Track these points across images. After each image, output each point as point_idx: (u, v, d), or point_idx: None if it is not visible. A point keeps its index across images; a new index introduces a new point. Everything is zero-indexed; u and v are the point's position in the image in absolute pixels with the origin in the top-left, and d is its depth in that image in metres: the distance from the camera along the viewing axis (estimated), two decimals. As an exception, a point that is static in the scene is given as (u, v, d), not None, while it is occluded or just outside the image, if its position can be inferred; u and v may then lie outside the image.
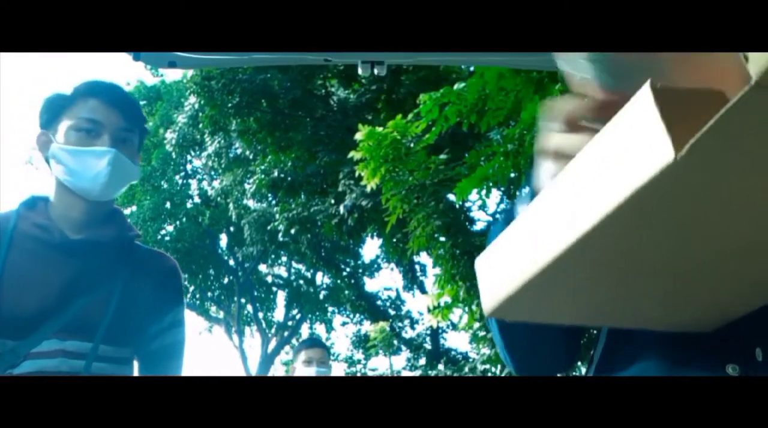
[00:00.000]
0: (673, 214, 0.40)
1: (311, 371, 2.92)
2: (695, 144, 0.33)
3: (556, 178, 0.47)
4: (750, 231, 0.43)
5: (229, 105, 8.87)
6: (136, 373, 1.33)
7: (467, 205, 7.25)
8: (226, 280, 15.31)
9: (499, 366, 6.14)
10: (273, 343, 15.56)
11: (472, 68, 4.71)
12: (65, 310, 1.20)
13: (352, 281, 15.10)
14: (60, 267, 1.23)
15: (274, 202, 11.02)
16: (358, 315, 16.23)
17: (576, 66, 0.59)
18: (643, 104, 0.36)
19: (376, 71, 1.68)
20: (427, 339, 14.72)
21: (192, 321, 23.45)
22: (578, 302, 0.57)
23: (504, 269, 0.52)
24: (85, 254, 1.26)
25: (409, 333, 15.44)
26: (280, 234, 9.43)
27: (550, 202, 0.47)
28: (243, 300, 15.15)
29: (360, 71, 1.70)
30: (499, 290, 0.53)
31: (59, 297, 1.20)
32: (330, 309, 16.51)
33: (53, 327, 1.18)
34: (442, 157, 5.80)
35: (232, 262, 15.25)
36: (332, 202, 8.53)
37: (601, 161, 0.41)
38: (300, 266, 15.56)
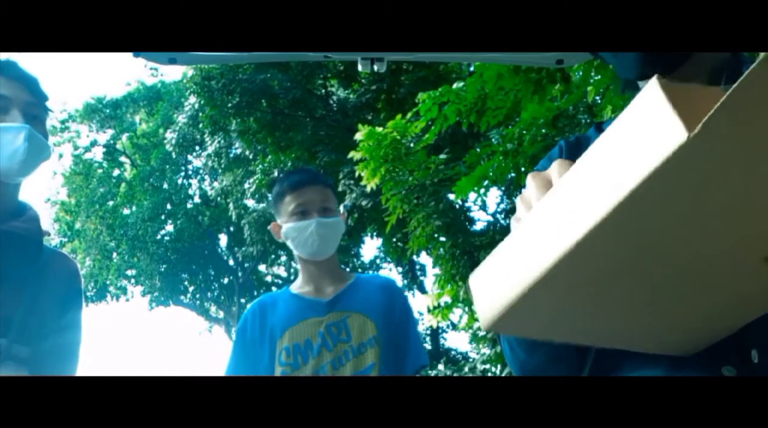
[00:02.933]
0: (682, 205, 0.39)
1: (308, 227, 1.64)
2: (708, 122, 0.33)
3: (555, 185, 0.45)
4: (759, 219, 0.42)
5: (229, 105, 8.87)
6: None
7: (467, 204, 7.25)
8: (226, 280, 15.30)
9: (499, 366, 6.14)
10: (273, 343, 15.57)
11: (471, 68, 4.71)
12: None
13: (352, 281, 15.08)
14: None
15: (273, 202, 11.00)
16: (358, 315, 16.21)
17: None
18: (650, 95, 0.36)
19: (375, 67, 1.69)
20: (427, 339, 14.71)
21: (192, 321, 23.54)
22: (575, 315, 0.54)
23: (500, 282, 0.51)
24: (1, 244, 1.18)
25: (409, 333, 15.43)
26: (280, 234, 9.41)
27: (549, 210, 0.46)
28: (243, 300, 15.14)
29: (360, 67, 1.71)
30: (496, 304, 0.51)
31: None
32: (330, 309, 16.48)
33: None
34: (442, 156, 5.80)
35: (232, 262, 15.24)
36: (332, 201, 8.52)
37: (608, 156, 0.40)
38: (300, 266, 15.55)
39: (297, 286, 1.77)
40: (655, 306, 0.52)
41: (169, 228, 14.78)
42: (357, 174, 5.56)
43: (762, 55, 0.32)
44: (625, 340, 0.61)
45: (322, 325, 1.65)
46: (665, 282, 0.49)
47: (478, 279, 0.55)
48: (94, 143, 15.76)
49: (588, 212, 0.41)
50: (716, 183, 0.38)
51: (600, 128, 0.86)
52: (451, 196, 5.24)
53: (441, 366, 8.31)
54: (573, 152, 0.84)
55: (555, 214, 0.45)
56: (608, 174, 0.39)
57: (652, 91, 0.36)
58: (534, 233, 0.47)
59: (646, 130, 0.36)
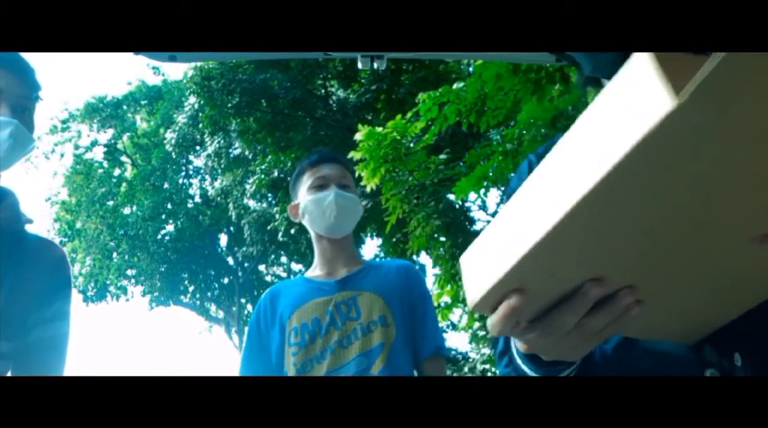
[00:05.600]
0: (668, 178, 0.38)
1: (327, 197, 1.63)
2: (696, 90, 0.32)
3: (542, 162, 0.44)
4: (748, 198, 0.41)
5: (229, 105, 8.86)
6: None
7: (467, 204, 7.25)
8: (226, 280, 15.30)
9: (499, 366, 6.13)
10: (273, 343, 15.58)
11: (471, 69, 4.72)
12: None
13: (352, 281, 15.06)
14: None
15: (274, 202, 11.01)
16: (358, 315, 16.20)
17: None
18: (637, 65, 0.35)
19: (375, 65, 1.70)
20: (427, 339, 14.69)
21: (192, 321, 23.54)
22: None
23: (489, 261, 0.50)
24: None
25: (409, 333, 15.41)
26: (280, 234, 9.42)
27: (537, 185, 0.45)
28: (243, 300, 15.14)
29: (360, 65, 1.72)
30: (482, 283, 0.50)
31: None
32: (330, 309, 16.49)
33: None
34: (442, 156, 5.80)
35: (232, 262, 15.24)
36: (332, 201, 8.52)
37: (594, 128, 0.39)
38: (300, 266, 15.58)
39: (310, 271, 1.74)
40: (647, 287, 0.51)
41: (170, 228, 14.78)
42: (357, 174, 5.56)
43: None
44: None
45: (331, 303, 1.61)
46: (655, 261, 0.48)
47: (468, 260, 0.54)
48: (94, 143, 15.78)
49: (574, 187, 0.40)
50: (702, 156, 0.37)
51: None
52: (451, 196, 5.24)
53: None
54: None
55: (544, 188, 0.44)
56: (595, 146, 0.38)
57: (637, 60, 0.35)
58: (521, 210, 0.46)
59: (633, 99, 0.35)
